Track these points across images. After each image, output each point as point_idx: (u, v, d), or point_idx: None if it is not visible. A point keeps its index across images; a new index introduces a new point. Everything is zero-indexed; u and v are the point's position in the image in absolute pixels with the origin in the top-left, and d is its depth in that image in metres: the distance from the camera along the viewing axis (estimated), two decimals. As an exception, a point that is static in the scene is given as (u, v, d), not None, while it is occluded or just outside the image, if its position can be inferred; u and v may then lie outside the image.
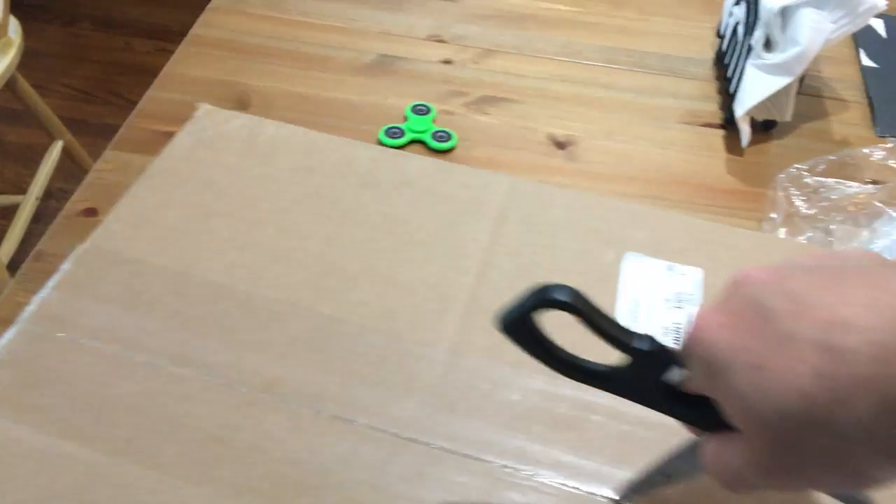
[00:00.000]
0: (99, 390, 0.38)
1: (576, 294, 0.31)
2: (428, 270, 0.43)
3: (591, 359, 0.32)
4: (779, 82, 0.69)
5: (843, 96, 0.81)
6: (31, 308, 0.44)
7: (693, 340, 0.31)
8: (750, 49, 0.71)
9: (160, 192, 0.45)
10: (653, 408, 0.33)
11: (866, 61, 0.83)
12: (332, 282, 0.42)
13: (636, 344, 0.32)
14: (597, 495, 0.36)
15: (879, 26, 0.87)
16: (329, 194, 0.46)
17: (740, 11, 0.75)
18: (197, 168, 0.46)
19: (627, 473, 0.36)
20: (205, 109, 0.49)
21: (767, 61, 0.69)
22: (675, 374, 0.32)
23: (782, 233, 0.65)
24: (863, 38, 0.86)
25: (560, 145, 0.75)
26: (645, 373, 0.32)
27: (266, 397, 0.38)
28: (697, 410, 0.32)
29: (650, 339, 0.32)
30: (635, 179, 0.72)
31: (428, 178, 0.47)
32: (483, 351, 0.40)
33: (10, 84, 1.28)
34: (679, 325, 0.42)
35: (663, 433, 0.38)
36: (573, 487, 0.36)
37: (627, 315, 0.42)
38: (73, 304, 0.42)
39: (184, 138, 0.47)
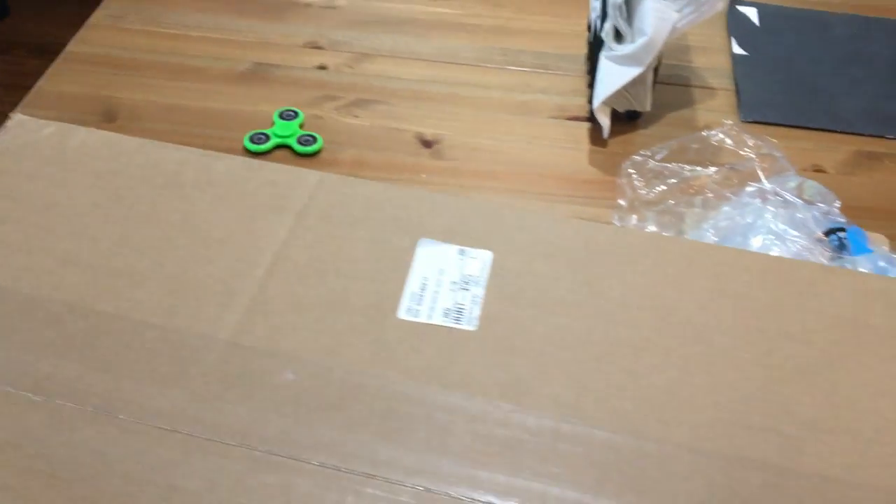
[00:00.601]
0: None
1: None
2: (218, 266, 0.44)
3: None
4: (630, 73, 0.70)
5: (711, 84, 0.82)
6: None
7: None
8: (602, 41, 0.72)
9: (-45, 202, 0.46)
10: None
11: (737, 49, 0.85)
12: (117, 281, 0.43)
13: None
14: (355, 472, 0.36)
15: (753, 15, 0.89)
16: (128, 196, 0.47)
17: (598, 4, 0.76)
18: (-3, 177, 0.47)
19: (388, 449, 0.37)
20: (17, 119, 0.50)
21: (618, 52, 0.70)
22: None
23: (633, 219, 0.65)
24: (735, 26, 0.87)
25: (427, 144, 0.76)
26: None
27: (29, 396, 0.39)
28: None
29: None
30: (498, 174, 0.73)
31: (234, 178, 0.48)
32: (261, 339, 0.41)
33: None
34: (461, 307, 0.43)
35: (426, 409, 0.39)
36: (331, 467, 0.36)
37: (413, 297, 0.43)
38: None
39: (-11, 149, 0.48)
